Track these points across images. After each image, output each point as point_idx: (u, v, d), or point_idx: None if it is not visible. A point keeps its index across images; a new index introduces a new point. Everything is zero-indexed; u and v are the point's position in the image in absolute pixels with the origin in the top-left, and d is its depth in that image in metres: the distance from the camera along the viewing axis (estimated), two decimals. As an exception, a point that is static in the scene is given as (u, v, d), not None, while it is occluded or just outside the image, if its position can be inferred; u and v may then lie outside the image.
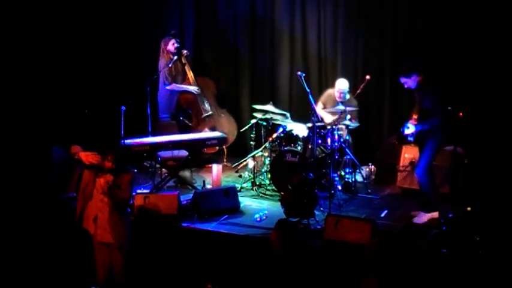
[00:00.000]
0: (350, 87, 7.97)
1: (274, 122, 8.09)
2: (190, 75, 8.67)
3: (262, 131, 8.30)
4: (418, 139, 6.71)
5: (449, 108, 7.59)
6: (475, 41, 7.70)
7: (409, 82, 6.60)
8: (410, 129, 6.66)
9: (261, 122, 8.24)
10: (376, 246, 4.16)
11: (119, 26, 9.39)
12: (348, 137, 7.87)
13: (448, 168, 7.44)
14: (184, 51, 8.67)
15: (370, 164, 8.16)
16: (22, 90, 8.34)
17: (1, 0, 8.23)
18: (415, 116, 6.71)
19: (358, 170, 7.89)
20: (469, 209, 6.49)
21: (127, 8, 9.41)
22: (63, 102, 8.70)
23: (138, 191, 7.26)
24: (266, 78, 9.32)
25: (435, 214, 6.76)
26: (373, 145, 8.50)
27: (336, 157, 7.49)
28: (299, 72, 7.57)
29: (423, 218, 6.73)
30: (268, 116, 8.09)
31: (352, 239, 5.97)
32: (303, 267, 4.72)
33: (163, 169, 7.97)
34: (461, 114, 7.52)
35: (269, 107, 8.02)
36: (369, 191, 7.71)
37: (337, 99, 7.89)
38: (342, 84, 7.90)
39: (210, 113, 8.75)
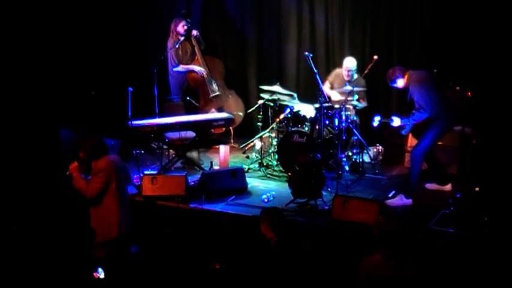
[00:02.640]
0: (358, 68, 7.93)
1: (282, 102, 8.07)
2: (199, 56, 8.64)
3: (270, 112, 8.28)
4: (414, 132, 6.85)
5: (457, 88, 7.60)
6: (484, 17, 7.63)
7: (399, 84, 6.74)
8: (395, 122, 6.80)
9: (268, 103, 8.22)
10: (384, 223, 4.16)
11: (126, 7, 9.35)
12: (355, 118, 7.85)
13: (456, 148, 7.43)
14: (195, 32, 8.62)
15: (377, 144, 8.15)
16: (30, 73, 8.34)
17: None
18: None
19: (365, 151, 7.87)
20: (477, 189, 6.49)
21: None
22: (70, 84, 8.71)
23: (146, 172, 7.27)
24: (273, 58, 9.28)
25: (447, 187, 6.87)
26: (380, 125, 8.46)
27: (344, 138, 7.47)
28: (306, 53, 7.55)
29: (432, 186, 6.99)
30: (275, 96, 8.07)
31: (360, 219, 5.98)
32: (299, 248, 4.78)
33: (171, 150, 7.98)
34: (469, 94, 7.51)
35: (276, 88, 8.00)
36: (377, 171, 7.70)
37: (345, 78, 7.87)
38: (349, 63, 7.87)
39: (217, 93, 8.73)
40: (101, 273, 5.38)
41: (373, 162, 7.90)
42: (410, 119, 6.69)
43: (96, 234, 5.48)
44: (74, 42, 8.86)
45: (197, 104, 8.79)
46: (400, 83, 6.71)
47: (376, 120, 6.94)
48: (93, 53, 9.08)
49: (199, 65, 8.62)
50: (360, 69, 7.98)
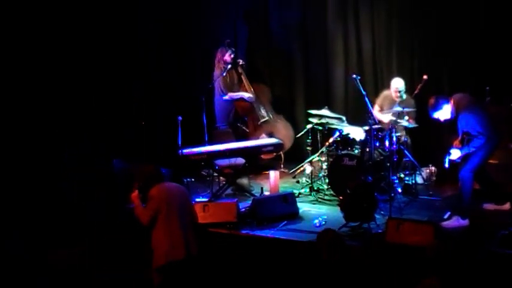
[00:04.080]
0: (407, 88, 7.84)
1: (330, 126, 8.03)
2: (246, 84, 8.71)
3: (318, 136, 8.26)
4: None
5: None
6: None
7: (444, 114, 6.47)
8: (454, 155, 6.48)
9: (317, 127, 8.20)
10: (438, 247, 4.06)
11: (173, 39, 9.53)
12: (406, 139, 7.74)
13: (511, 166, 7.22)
14: (240, 61, 8.72)
15: (430, 165, 7.98)
16: (83, 107, 8.55)
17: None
18: (456, 142, 6.58)
19: (418, 172, 7.73)
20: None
21: (180, 19, 9.55)
22: (121, 115, 8.89)
23: (197, 199, 7.31)
24: (320, 82, 9.27)
25: (506, 206, 6.67)
26: (433, 146, 8.32)
27: (395, 159, 7.36)
28: (354, 75, 7.51)
29: (490, 206, 6.74)
30: (323, 120, 8.04)
31: (415, 241, 5.84)
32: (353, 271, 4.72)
33: (221, 177, 8.01)
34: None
35: (324, 112, 7.98)
36: (430, 192, 7.55)
37: (395, 99, 7.79)
38: (397, 83, 7.80)
39: (266, 118, 8.79)
40: None
41: (426, 183, 7.74)
42: (469, 147, 6.38)
43: (152, 260, 5.62)
44: (125, 75, 9.05)
45: (247, 130, 8.83)
46: (447, 109, 6.43)
47: (447, 162, 6.63)
48: (143, 85, 9.26)
49: (247, 92, 8.69)
50: (409, 89, 7.89)
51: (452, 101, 6.46)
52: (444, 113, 6.49)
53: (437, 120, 6.61)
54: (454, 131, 6.91)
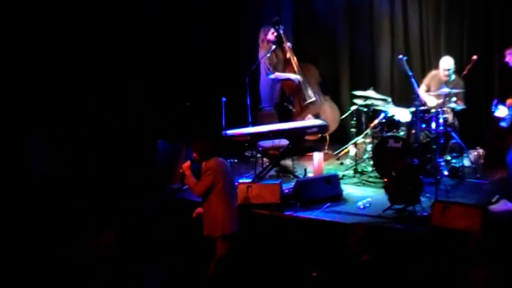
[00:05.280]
0: (455, 68, 7.65)
1: (375, 107, 7.93)
2: (295, 65, 8.64)
3: (363, 118, 8.17)
4: None
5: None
6: None
7: None
8: (501, 111, 6.34)
9: (362, 109, 8.10)
10: (480, 239, 3.96)
11: (216, 18, 9.52)
12: (453, 121, 7.58)
13: None
14: (289, 44, 8.65)
15: (478, 147, 7.81)
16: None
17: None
18: (510, 101, 6.38)
19: (465, 154, 7.57)
20: None
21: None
22: (165, 96, 8.94)
23: (240, 180, 7.33)
24: (366, 63, 9.14)
25: None
26: (481, 128, 8.13)
27: (441, 141, 7.22)
28: (400, 56, 7.37)
29: None
30: (369, 101, 7.93)
31: (462, 226, 5.73)
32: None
33: (265, 158, 8.00)
34: None
35: (370, 93, 7.88)
36: (478, 175, 7.38)
37: (443, 79, 7.61)
38: (446, 63, 7.61)
39: (313, 99, 8.71)
40: None
41: (473, 166, 7.58)
42: None
43: (203, 229, 5.79)
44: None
45: (294, 110, 8.78)
46: None
47: (493, 109, 6.55)
48: (187, 65, 9.29)
49: (295, 72, 8.62)
50: (457, 70, 7.70)
51: None
52: None
53: (507, 63, 6.56)
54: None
